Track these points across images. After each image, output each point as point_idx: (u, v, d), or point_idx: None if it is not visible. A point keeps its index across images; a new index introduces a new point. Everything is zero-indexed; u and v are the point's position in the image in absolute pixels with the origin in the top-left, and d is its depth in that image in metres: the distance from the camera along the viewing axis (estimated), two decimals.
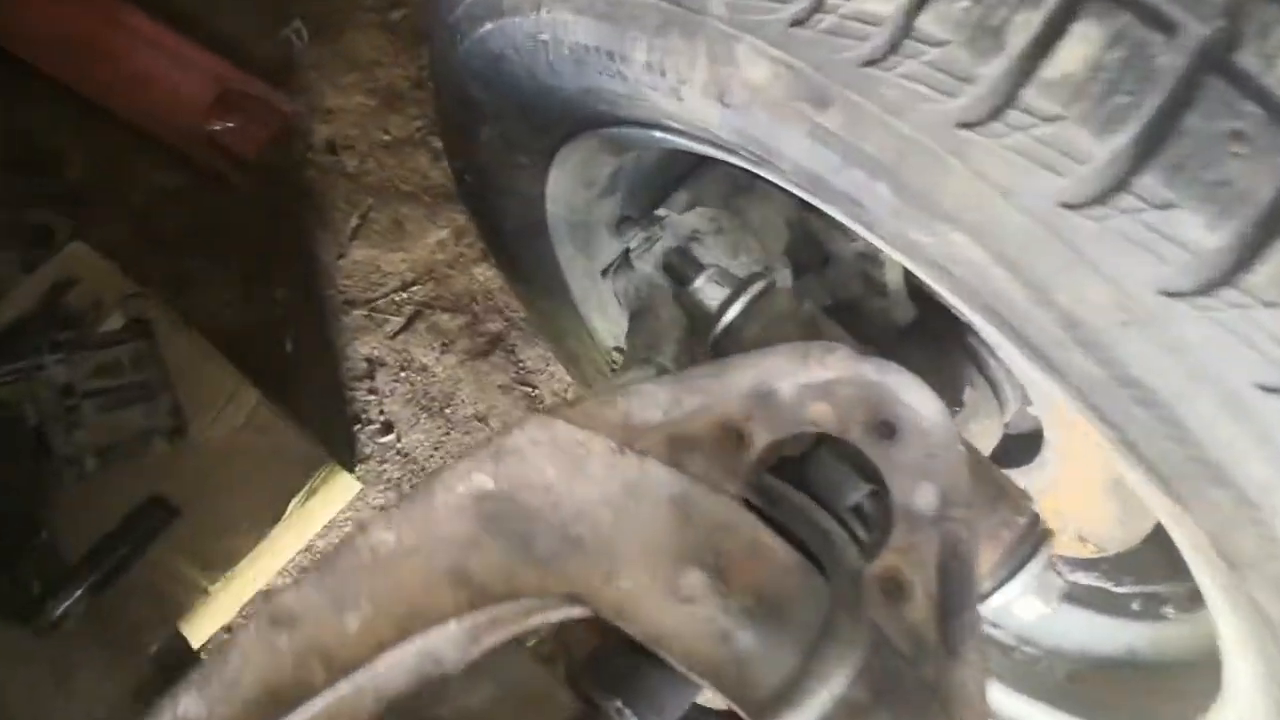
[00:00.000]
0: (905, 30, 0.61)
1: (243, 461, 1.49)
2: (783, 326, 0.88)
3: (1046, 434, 1.19)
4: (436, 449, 1.95)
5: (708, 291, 0.91)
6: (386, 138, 2.13)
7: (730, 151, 0.84)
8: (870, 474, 0.87)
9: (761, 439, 0.84)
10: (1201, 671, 1.12)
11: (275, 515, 1.49)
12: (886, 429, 0.84)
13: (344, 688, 0.66)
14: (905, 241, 0.70)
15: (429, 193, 2.11)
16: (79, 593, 1.20)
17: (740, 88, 0.72)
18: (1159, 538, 1.21)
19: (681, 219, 1.14)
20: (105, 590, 1.23)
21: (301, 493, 1.50)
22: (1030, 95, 0.58)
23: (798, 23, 0.65)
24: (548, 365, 2.02)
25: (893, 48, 0.62)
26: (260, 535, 1.48)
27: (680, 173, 1.28)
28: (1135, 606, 1.34)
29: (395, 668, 0.68)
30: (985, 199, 0.61)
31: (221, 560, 1.47)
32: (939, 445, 0.83)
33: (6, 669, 1.11)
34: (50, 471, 1.32)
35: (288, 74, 2.08)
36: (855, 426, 0.84)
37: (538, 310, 1.75)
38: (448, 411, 1.98)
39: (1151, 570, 1.29)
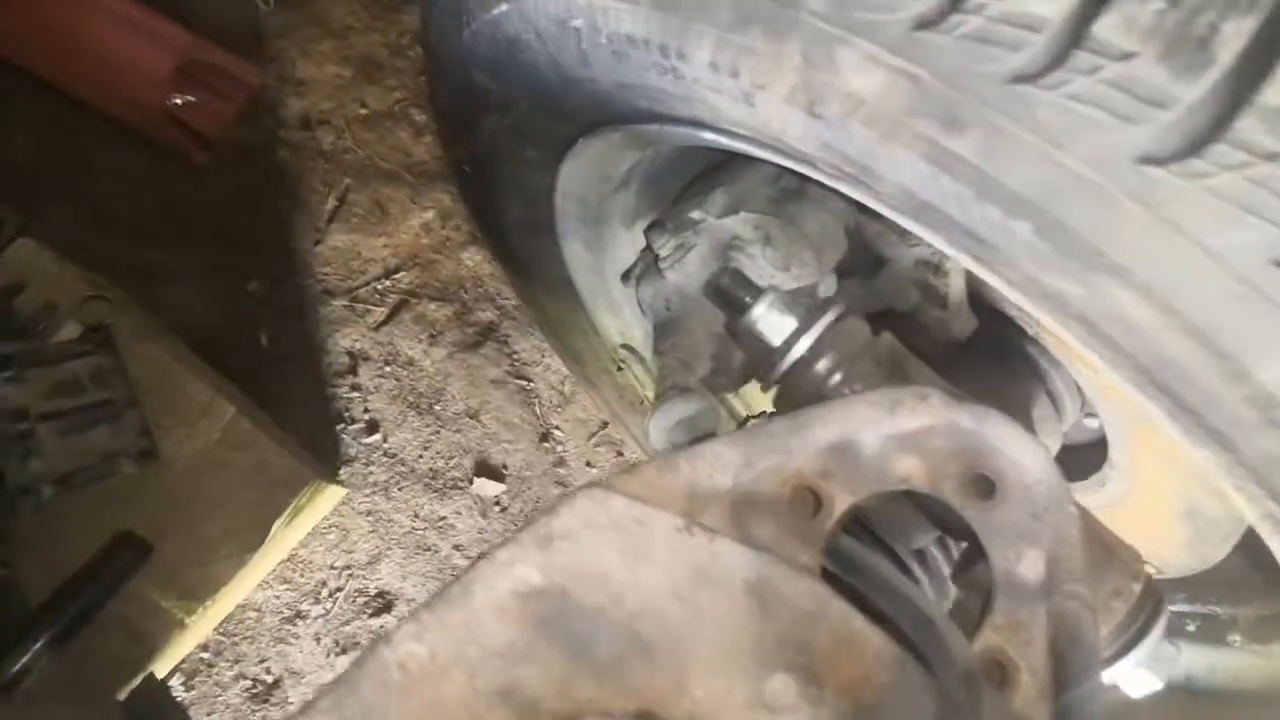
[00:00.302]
0: (1076, 39, 0.48)
1: (220, 482, 1.35)
2: (859, 363, 0.76)
3: (1113, 453, 1.09)
4: (426, 449, 1.82)
5: (770, 321, 0.79)
6: (364, 111, 1.97)
7: (800, 161, 0.72)
8: (958, 530, 0.77)
9: (842, 500, 0.73)
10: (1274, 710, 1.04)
11: (258, 539, 1.36)
12: (984, 486, 0.73)
13: None
14: (1042, 290, 0.58)
15: (412, 171, 1.96)
16: (40, 645, 1.06)
17: (839, 99, 0.59)
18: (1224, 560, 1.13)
19: (720, 224, 1.01)
20: (69, 641, 1.10)
21: (286, 513, 1.37)
22: (1246, 125, 0.46)
23: (925, 24, 0.52)
24: (543, 357, 1.89)
25: (1057, 60, 0.49)
26: (242, 561, 1.35)
27: (705, 166, 1.16)
28: (1191, 628, 1.25)
29: None
30: (1173, 251, 0.49)
31: (200, 590, 1.34)
32: (1045, 505, 0.72)
33: None
34: (3, 504, 1.18)
35: (254, 42, 1.90)
36: (949, 483, 0.73)
37: (538, 307, 1.62)
38: (437, 408, 1.85)
39: (1208, 589, 1.20)
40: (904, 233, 1.00)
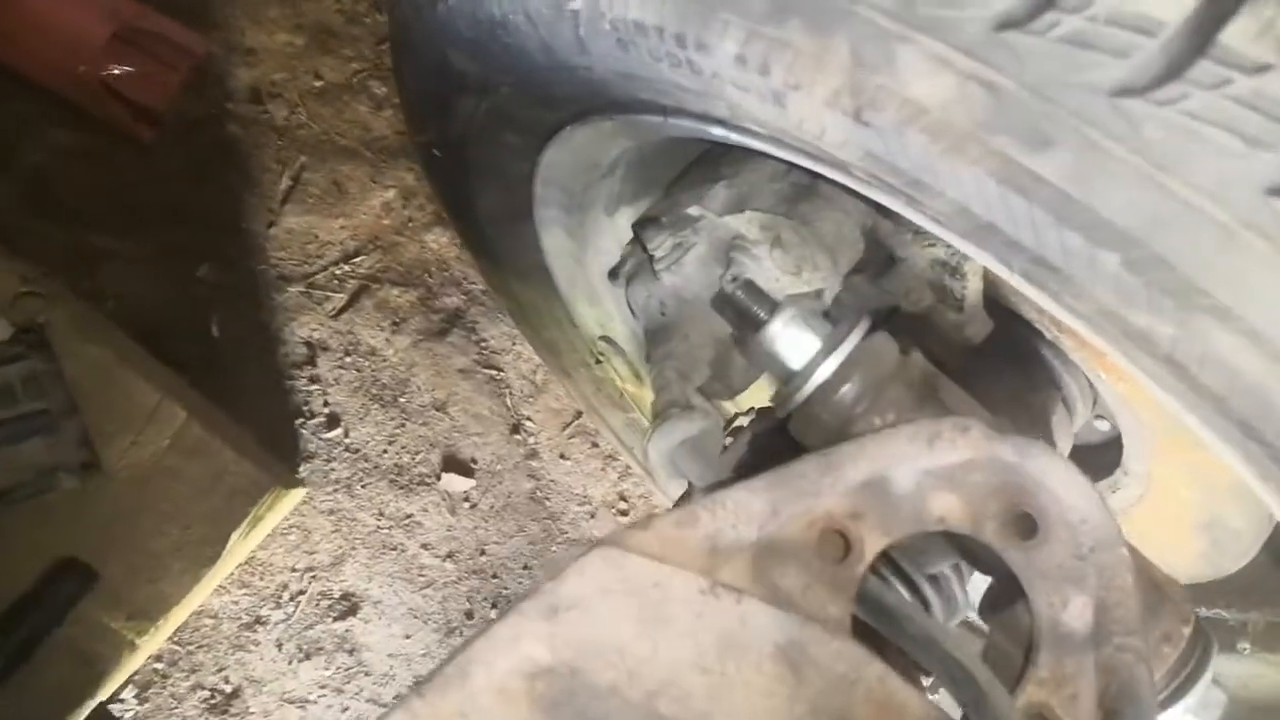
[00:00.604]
0: (1198, 46, 0.41)
1: (171, 493, 1.25)
2: (889, 388, 0.69)
3: (1129, 460, 1.04)
4: (390, 443, 1.72)
5: (789, 340, 0.71)
6: (319, 83, 1.84)
7: (832, 167, 0.64)
8: (998, 571, 0.71)
9: (873, 543, 0.66)
10: None
11: (214, 553, 1.26)
12: (1026, 524, 0.67)
13: None
14: (1122, 326, 0.51)
15: (371, 147, 1.84)
16: None
17: (895, 105, 0.51)
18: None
19: (723, 222, 0.93)
20: (6, 680, 1.00)
21: (244, 524, 1.28)
22: None
23: (1011, 24, 0.45)
24: (514, 344, 1.80)
25: (1173, 71, 0.42)
26: (197, 577, 1.26)
27: (701, 152, 1.07)
28: None
29: None
30: None
31: (152, 609, 1.24)
32: (1092, 545, 0.66)
33: None
34: None
35: (199, 8, 1.76)
36: (989, 522, 0.67)
37: (510, 295, 1.53)
38: (401, 400, 1.75)
39: (1215, 593, 1.16)
40: (919, 231, 0.93)
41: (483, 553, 1.70)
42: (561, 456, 1.77)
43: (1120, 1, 0.42)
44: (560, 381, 1.68)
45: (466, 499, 1.71)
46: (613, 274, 1.10)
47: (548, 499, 1.76)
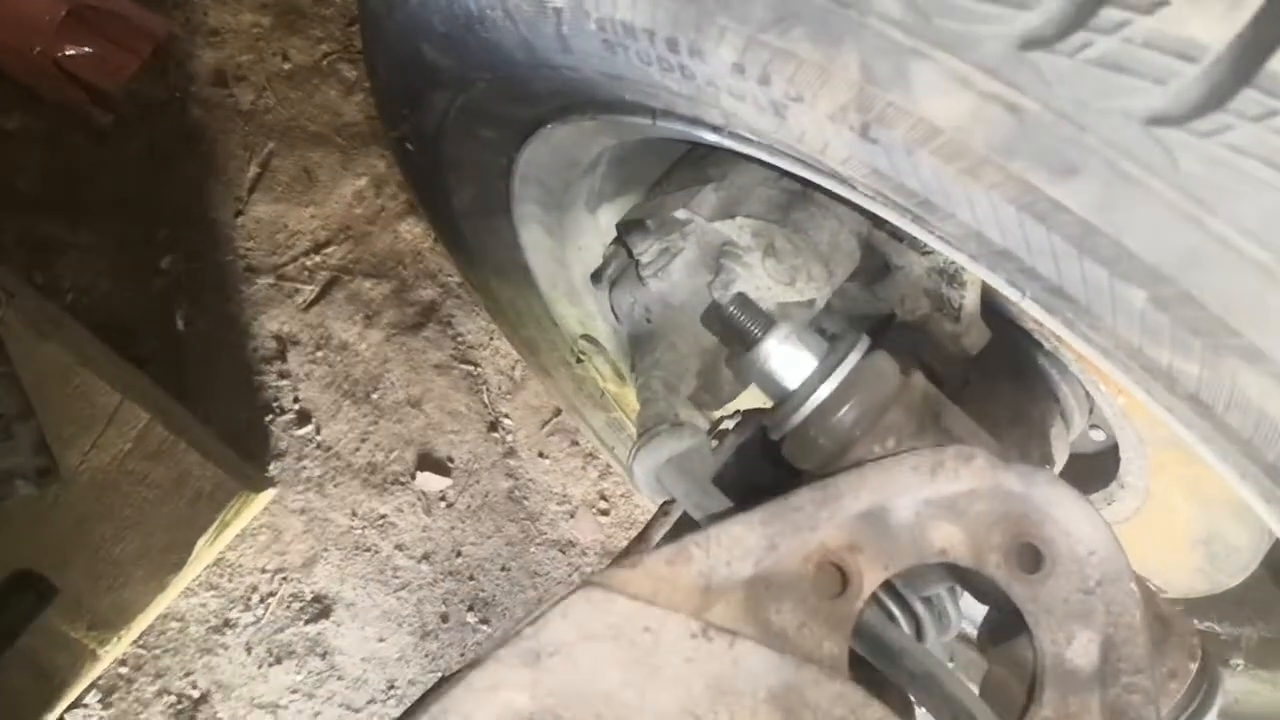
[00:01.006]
0: (1244, 74, 0.37)
1: (133, 498, 1.20)
2: (889, 412, 0.66)
3: (1126, 474, 1.02)
4: (363, 441, 1.68)
5: (784, 358, 0.67)
6: (287, 66, 1.78)
7: (832, 180, 0.60)
8: (1000, 603, 0.68)
9: (871, 577, 0.63)
10: None
11: (178, 560, 1.22)
12: (1031, 556, 0.64)
13: None
14: (1143, 363, 0.48)
15: (342, 134, 1.79)
16: None
17: (907, 124, 0.47)
18: None
19: (713, 228, 0.89)
20: None
21: (210, 530, 1.23)
22: None
23: (1038, 43, 0.41)
24: (491, 339, 1.76)
25: (1216, 100, 0.38)
26: (161, 585, 1.21)
27: (683, 152, 1.03)
28: None
29: None
30: None
31: (114, 618, 1.20)
32: (1099, 579, 0.64)
33: None
34: None
35: None
36: (992, 554, 0.64)
37: (488, 292, 1.48)
38: (374, 396, 1.70)
39: (1207, 606, 1.14)
40: (916, 240, 0.89)
41: (459, 554, 1.66)
42: (540, 455, 1.73)
43: (1159, 23, 0.38)
44: (539, 379, 1.64)
45: (442, 498, 1.67)
46: (595, 277, 1.06)
47: (526, 498, 1.72)
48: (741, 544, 0.58)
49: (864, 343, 0.70)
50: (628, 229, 1.00)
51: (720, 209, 0.90)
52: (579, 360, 1.48)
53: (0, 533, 1.11)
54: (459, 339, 1.75)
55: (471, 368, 1.74)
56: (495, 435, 1.72)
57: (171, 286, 1.65)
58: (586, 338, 1.42)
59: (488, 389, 1.73)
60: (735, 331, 0.72)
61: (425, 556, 1.64)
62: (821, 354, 0.69)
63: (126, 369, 1.38)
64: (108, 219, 1.62)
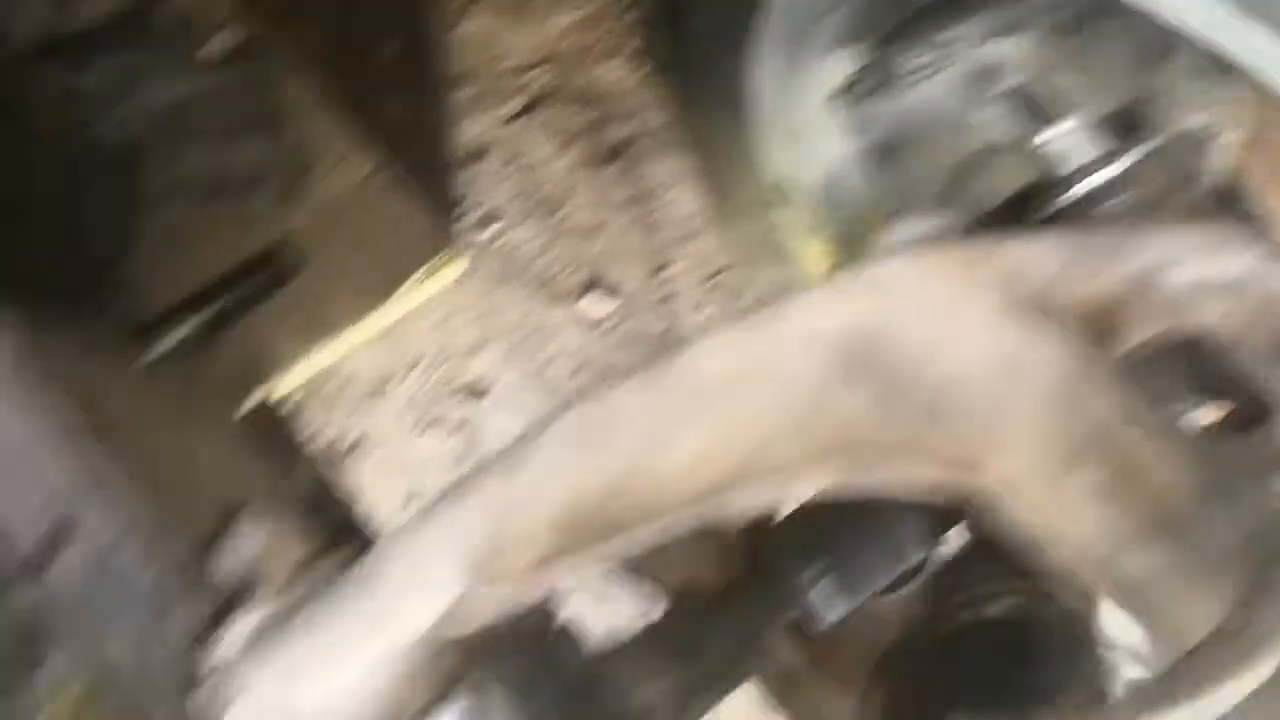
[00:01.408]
0: None
1: (358, 227, 1.29)
2: (1164, 207, 0.69)
3: None
4: (541, 253, 1.76)
5: (1069, 142, 0.71)
6: None
7: None
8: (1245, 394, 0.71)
9: (1138, 331, 0.67)
10: None
11: (387, 292, 1.31)
12: None
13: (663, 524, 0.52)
14: None
15: None
16: (182, 333, 1.02)
17: None
18: None
19: (984, 50, 0.92)
20: (206, 342, 1.06)
21: (420, 272, 1.32)
22: None
23: None
24: (675, 186, 1.81)
25: None
26: (366, 310, 1.31)
27: None
28: None
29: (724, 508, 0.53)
30: None
31: (318, 330, 1.30)
32: None
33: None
34: (138, 207, 1.13)
35: None
36: (1251, 340, 0.67)
37: (695, 125, 1.53)
38: (557, 215, 1.78)
39: None
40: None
41: (604, 377, 1.74)
42: (697, 305, 1.79)
43: None
44: (719, 228, 1.69)
45: (602, 323, 1.75)
46: (841, 92, 1.10)
47: (675, 343, 1.78)
48: (1042, 259, 0.62)
49: (1150, 144, 0.74)
50: (889, 42, 1.03)
51: (995, 30, 0.93)
52: (773, 206, 1.52)
53: (241, 230, 1.20)
54: (643, 180, 1.81)
55: (652, 209, 1.80)
56: (660, 277, 1.79)
57: (386, 77, 1.73)
58: (784, 185, 1.46)
59: (662, 233, 1.79)
60: (1031, 108, 0.75)
61: (576, 371, 1.72)
62: (1114, 144, 0.72)
63: (356, 125, 1.47)
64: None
